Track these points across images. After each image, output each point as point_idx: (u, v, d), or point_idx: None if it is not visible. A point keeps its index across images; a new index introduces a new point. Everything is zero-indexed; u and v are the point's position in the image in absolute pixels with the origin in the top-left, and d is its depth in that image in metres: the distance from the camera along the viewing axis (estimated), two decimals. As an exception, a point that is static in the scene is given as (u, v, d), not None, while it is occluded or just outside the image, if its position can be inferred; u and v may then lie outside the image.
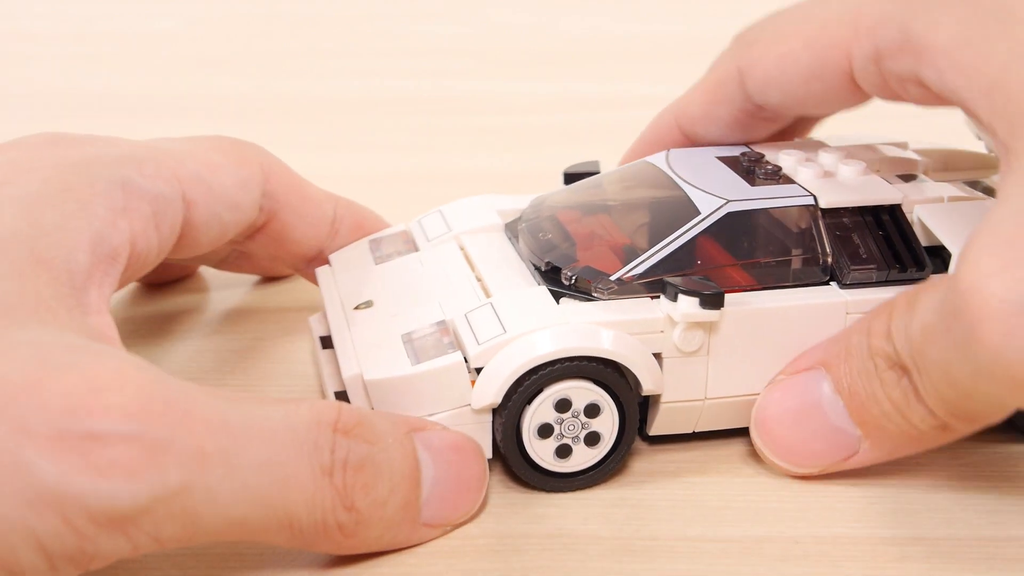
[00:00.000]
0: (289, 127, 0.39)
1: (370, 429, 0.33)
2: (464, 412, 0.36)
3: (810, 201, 0.38)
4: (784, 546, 0.36)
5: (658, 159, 0.42)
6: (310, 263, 0.46)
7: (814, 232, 0.38)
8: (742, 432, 0.40)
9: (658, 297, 0.37)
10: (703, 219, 0.38)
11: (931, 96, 0.36)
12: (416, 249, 0.43)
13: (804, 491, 0.38)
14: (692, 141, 0.44)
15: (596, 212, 0.41)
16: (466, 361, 0.36)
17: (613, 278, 0.37)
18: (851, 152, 0.42)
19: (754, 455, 0.39)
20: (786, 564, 0.35)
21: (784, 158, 0.41)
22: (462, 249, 0.42)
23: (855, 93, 0.39)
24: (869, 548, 0.36)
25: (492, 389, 0.36)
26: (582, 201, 0.42)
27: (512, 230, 0.42)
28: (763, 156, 0.42)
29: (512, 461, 0.37)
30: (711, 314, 0.36)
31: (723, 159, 0.42)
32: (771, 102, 0.41)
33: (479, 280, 0.40)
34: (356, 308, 0.40)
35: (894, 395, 0.36)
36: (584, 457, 0.37)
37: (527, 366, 0.35)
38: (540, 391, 0.36)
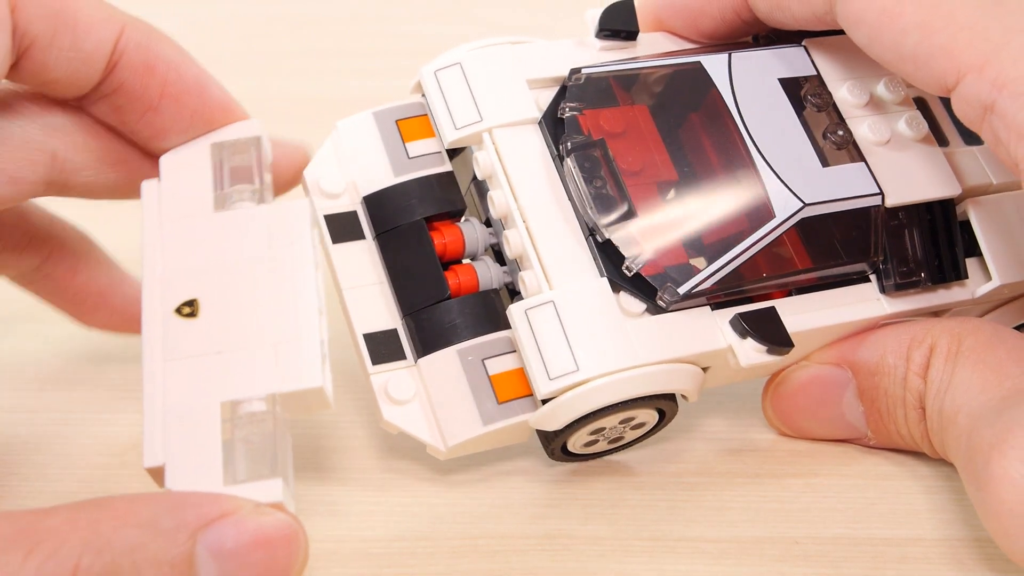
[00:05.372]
0: (289, 127, 0.39)
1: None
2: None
3: (877, 201, 0.37)
4: (784, 546, 0.36)
5: (720, 73, 0.38)
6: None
7: (872, 232, 0.37)
8: (742, 432, 0.40)
9: (717, 307, 0.36)
10: (778, 225, 0.36)
11: (1009, 161, 0.33)
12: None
13: (804, 491, 0.38)
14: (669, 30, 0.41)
15: (653, 154, 0.37)
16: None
17: (681, 292, 0.35)
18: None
19: (754, 455, 0.39)
20: (786, 564, 0.35)
21: (845, 96, 0.38)
22: (498, 156, 0.37)
23: (929, 87, 0.35)
24: (869, 548, 0.36)
25: (556, 421, 0.35)
26: (635, 124, 0.37)
27: (550, 126, 0.37)
28: (830, 99, 0.38)
29: (549, 450, 0.36)
30: (775, 359, 0.36)
31: (788, 89, 0.38)
32: (782, 24, 0.38)
33: (527, 228, 0.36)
34: (177, 311, 0.32)
35: (915, 431, 0.37)
36: (601, 447, 0.37)
37: (597, 407, 0.35)
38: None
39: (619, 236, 0.36)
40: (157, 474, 0.30)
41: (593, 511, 0.37)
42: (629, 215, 0.36)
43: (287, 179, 0.38)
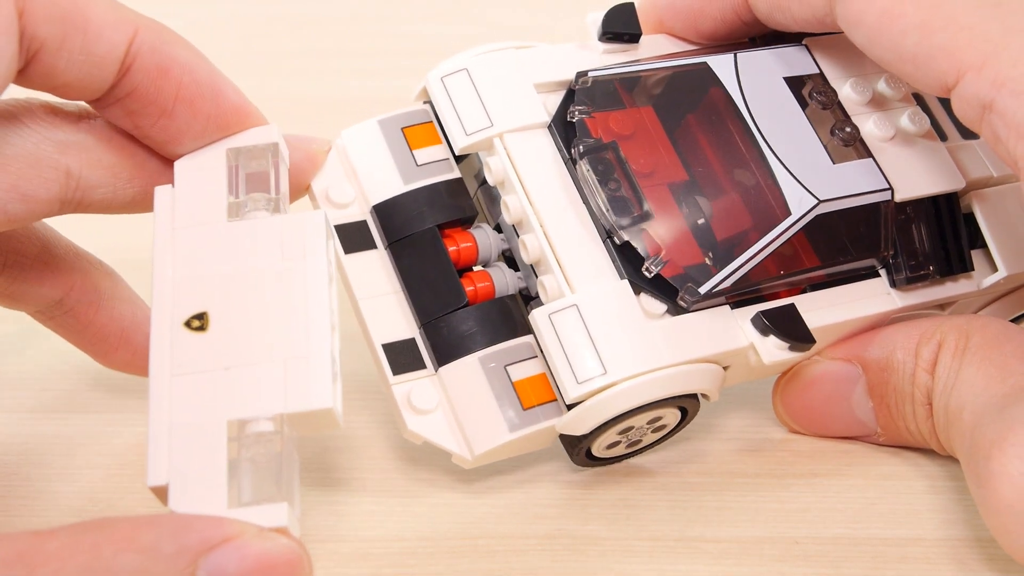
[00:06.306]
0: (289, 127, 0.39)
1: None
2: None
3: (887, 196, 0.37)
4: (784, 546, 0.36)
5: (726, 72, 0.38)
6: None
7: (883, 227, 0.38)
8: (741, 431, 0.40)
9: (736, 305, 0.36)
10: (794, 223, 0.36)
11: (1008, 159, 0.34)
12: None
13: (804, 491, 0.38)
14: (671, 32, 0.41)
15: (664, 155, 0.37)
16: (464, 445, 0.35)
17: (702, 291, 0.35)
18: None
19: (754, 454, 0.39)
20: (786, 564, 0.35)
21: (849, 93, 0.39)
22: (511, 161, 0.37)
23: (929, 88, 0.35)
24: (869, 548, 0.36)
25: (584, 425, 0.35)
26: (644, 126, 0.38)
27: (560, 129, 0.37)
28: (835, 97, 0.39)
29: (574, 454, 0.36)
30: (796, 356, 0.36)
31: (792, 87, 0.39)
32: (782, 26, 0.39)
33: (544, 232, 0.36)
34: (186, 324, 0.32)
35: (923, 427, 0.37)
36: (620, 450, 0.38)
37: (625, 409, 0.35)
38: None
39: (637, 238, 0.36)
40: (161, 493, 0.29)
41: (593, 511, 0.37)
42: (646, 216, 0.36)
43: (308, 181, 0.38)
